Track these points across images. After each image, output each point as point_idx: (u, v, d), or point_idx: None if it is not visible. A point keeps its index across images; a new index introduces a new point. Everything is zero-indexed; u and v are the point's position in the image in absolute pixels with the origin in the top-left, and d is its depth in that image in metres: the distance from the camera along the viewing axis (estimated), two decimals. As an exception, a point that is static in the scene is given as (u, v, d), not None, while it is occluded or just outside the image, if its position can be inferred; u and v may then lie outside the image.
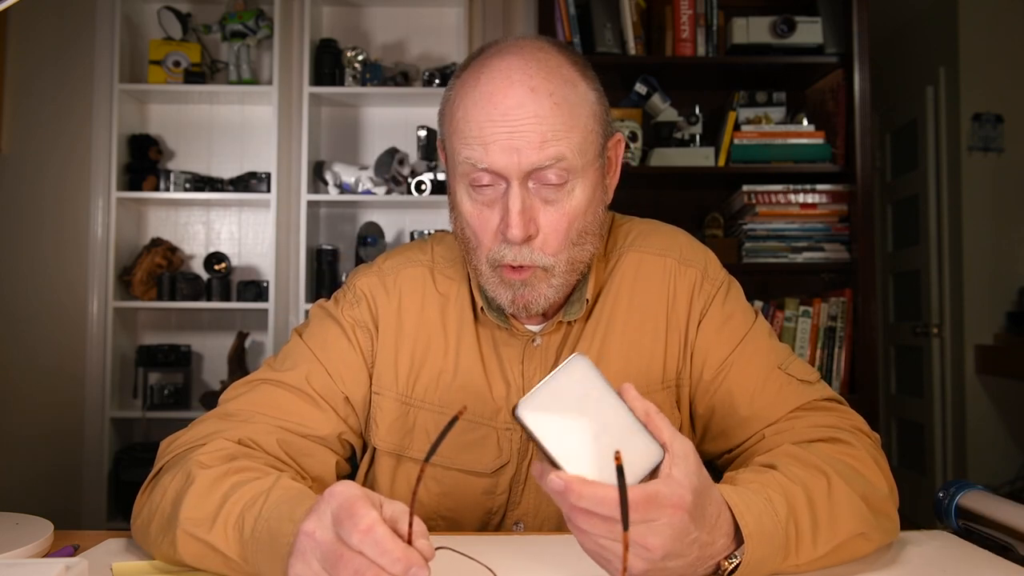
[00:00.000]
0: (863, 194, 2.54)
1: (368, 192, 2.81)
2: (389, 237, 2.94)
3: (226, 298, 2.84)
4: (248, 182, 2.85)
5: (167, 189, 2.83)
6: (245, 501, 0.73)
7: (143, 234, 2.98)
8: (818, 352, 2.56)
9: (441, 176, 2.78)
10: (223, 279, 2.84)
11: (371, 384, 0.99)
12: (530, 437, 0.62)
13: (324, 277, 2.82)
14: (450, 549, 0.64)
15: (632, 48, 2.62)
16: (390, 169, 2.83)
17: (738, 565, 0.69)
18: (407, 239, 2.95)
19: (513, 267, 0.89)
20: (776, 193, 2.60)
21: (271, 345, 2.77)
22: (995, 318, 3.51)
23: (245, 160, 2.99)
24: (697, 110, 2.69)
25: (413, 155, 2.88)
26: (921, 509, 3.56)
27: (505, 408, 0.97)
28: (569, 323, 0.99)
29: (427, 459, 0.60)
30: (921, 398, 3.87)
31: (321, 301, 1.04)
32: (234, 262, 2.93)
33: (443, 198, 2.66)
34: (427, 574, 0.57)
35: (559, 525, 0.97)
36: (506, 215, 0.86)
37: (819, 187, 2.61)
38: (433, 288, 1.02)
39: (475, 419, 0.97)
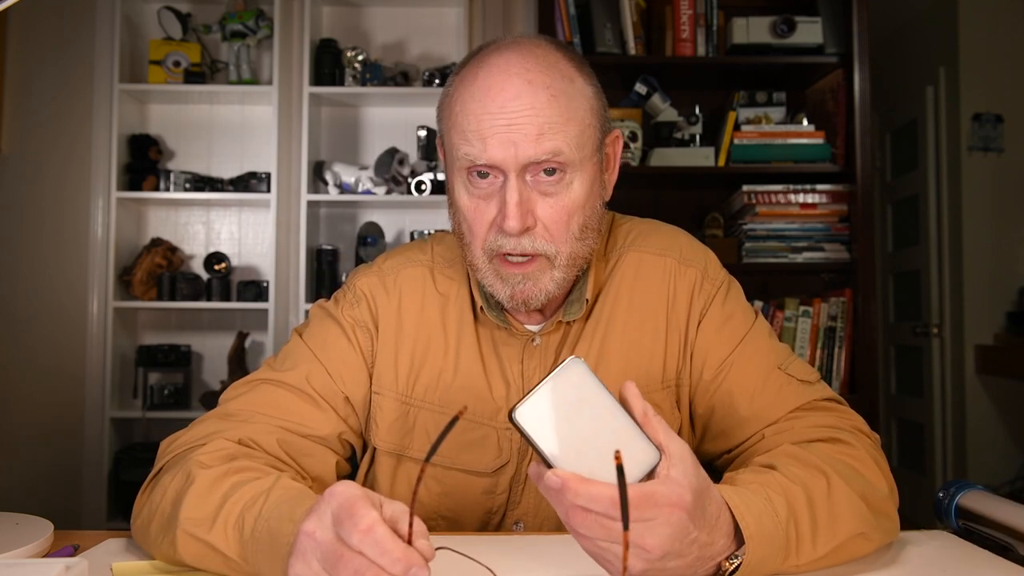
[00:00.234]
0: (863, 194, 2.54)
1: (368, 192, 2.81)
2: (389, 237, 2.94)
3: (226, 298, 2.84)
4: (248, 182, 2.85)
5: (167, 189, 2.83)
6: (245, 501, 0.73)
7: (143, 234, 2.98)
8: (818, 352, 2.56)
9: (441, 176, 2.78)
10: (223, 279, 2.84)
11: (371, 384, 0.99)
12: (527, 441, 0.62)
13: (324, 277, 2.82)
14: (450, 549, 0.64)
15: (632, 48, 2.62)
16: (390, 169, 2.83)
17: (739, 566, 0.68)
18: (407, 239, 2.95)
19: (514, 261, 0.89)
20: (776, 193, 2.60)
21: (271, 345, 2.77)
22: (995, 318, 3.51)
23: (245, 160, 2.99)
24: (697, 110, 2.69)
25: (413, 155, 2.88)
26: (921, 509, 3.56)
27: (505, 408, 0.97)
28: (568, 323, 0.99)
29: (427, 459, 0.60)
30: (921, 398, 3.87)
31: (321, 301, 1.04)
32: (234, 262, 2.93)
33: (443, 198, 2.66)
34: (427, 574, 0.57)
35: (559, 525, 0.97)
36: (503, 207, 0.87)
37: (819, 187, 2.61)
38: (433, 288, 1.02)
39: (475, 419, 0.97)
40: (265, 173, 2.83)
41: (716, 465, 1.01)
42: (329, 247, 2.85)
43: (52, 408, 2.83)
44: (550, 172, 0.87)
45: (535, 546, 0.85)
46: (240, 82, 2.86)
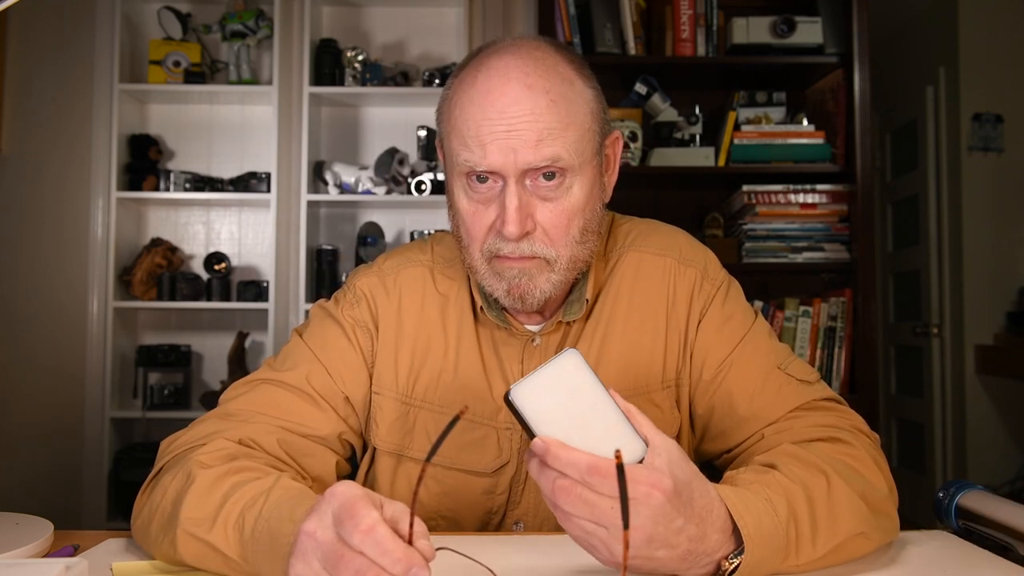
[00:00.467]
0: (863, 194, 2.54)
1: (368, 192, 2.81)
2: (389, 237, 2.94)
3: (226, 298, 2.84)
4: (248, 182, 2.85)
5: (167, 189, 2.83)
6: (245, 501, 0.73)
7: (143, 234, 2.98)
8: (818, 352, 2.56)
9: (441, 176, 2.78)
10: (223, 279, 2.84)
11: (371, 384, 0.99)
12: (519, 420, 0.64)
13: (324, 277, 2.82)
14: (451, 550, 0.64)
15: (632, 48, 2.62)
16: (390, 169, 2.83)
17: (738, 566, 0.68)
18: (407, 239, 2.95)
19: (511, 257, 0.89)
20: (776, 193, 2.60)
21: (271, 345, 2.77)
22: (995, 318, 3.51)
23: (245, 160, 2.99)
24: (697, 110, 2.69)
25: (413, 155, 2.88)
26: (921, 509, 3.56)
27: (505, 408, 0.97)
28: (568, 323, 0.99)
29: (428, 459, 0.60)
30: (921, 398, 3.87)
31: (321, 301, 1.04)
32: (234, 262, 2.93)
33: (443, 198, 2.66)
34: (428, 574, 0.57)
35: (559, 525, 0.97)
36: (503, 212, 0.87)
37: (819, 187, 2.61)
38: (433, 288, 1.02)
39: (475, 419, 0.97)
40: (265, 173, 2.83)
41: (716, 465, 1.01)
42: (329, 247, 2.85)
43: (52, 408, 2.83)
44: (549, 177, 0.87)
45: (535, 546, 0.85)
46: (240, 82, 2.86)
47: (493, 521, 0.99)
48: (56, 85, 2.90)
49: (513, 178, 0.86)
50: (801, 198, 2.61)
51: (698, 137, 2.69)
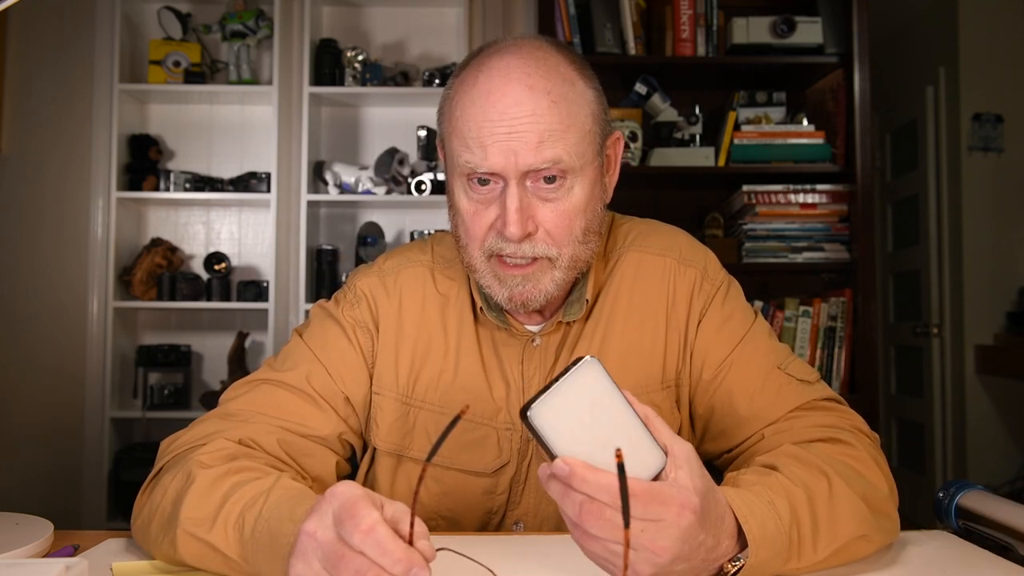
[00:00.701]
0: (863, 194, 2.54)
1: (368, 192, 2.81)
2: (389, 237, 2.94)
3: (226, 298, 2.84)
4: (248, 182, 2.85)
5: (167, 189, 2.83)
6: (245, 501, 0.73)
7: (143, 234, 2.98)
8: (818, 352, 2.56)
9: (441, 176, 2.78)
10: (223, 279, 2.84)
11: (371, 384, 0.99)
12: (538, 440, 0.61)
13: (324, 277, 2.82)
14: (451, 550, 0.64)
15: (632, 48, 2.62)
16: (390, 169, 2.83)
17: (741, 568, 0.68)
18: (407, 239, 2.95)
19: (513, 263, 0.89)
20: (776, 193, 2.60)
21: (271, 345, 2.77)
22: (995, 318, 3.51)
23: (245, 160, 2.99)
24: (697, 110, 2.69)
25: (413, 155, 2.88)
26: (921, 509, 3.56)
27: (505, 408, 0.97)
28: (569, 323, 0.99)
29: (428, 459, 0.60)
30: (921, 398, 3.87)
31: (321, 301, 1.04)
32: (234, 262, 2.93)
33: (443, 198, 2.66)
34: (428, 575, 0.57)
35: (559, 525, 0.97)
36: (503, 213, 0.86)
37: (819, 187, 2.61)
38: (433, 288, 1.02)
39: (475, 419, 0.97)
40: (265, 173, 2.83)
41: (716, 464, 1.01)
42: (329, 247, 2.85)
43: (52, 408, 2.83)
44: (550, 179, 0.87)
45: (535, 546, 0.85)
46: (240, 82, 2.86)
47: (493, 521, 0.99)
48: (56, 85, 2.90)
49: (514, 179, 0.86)
50: (801, 198, 2.61)
51: (698, 137, 2.69)
